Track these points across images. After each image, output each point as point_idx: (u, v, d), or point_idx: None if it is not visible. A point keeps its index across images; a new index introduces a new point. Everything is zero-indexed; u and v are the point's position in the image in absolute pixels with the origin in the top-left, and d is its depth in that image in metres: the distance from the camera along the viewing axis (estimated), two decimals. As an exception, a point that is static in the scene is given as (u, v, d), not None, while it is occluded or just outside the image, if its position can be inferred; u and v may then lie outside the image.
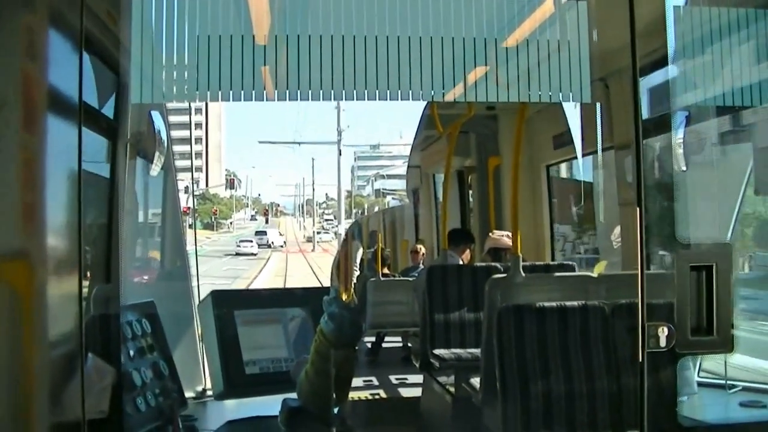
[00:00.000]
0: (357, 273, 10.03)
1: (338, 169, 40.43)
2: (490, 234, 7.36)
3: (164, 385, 4.19)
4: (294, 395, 4.10)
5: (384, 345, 9.10)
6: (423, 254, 10.17)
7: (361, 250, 10.84)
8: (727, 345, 3.31)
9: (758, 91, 3.73)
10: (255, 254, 39.22)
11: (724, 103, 3.85)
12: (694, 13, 3.67)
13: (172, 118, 5.01)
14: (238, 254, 38.50)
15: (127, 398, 3.75)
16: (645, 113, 3.40)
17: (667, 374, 3.44)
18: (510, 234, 6.76)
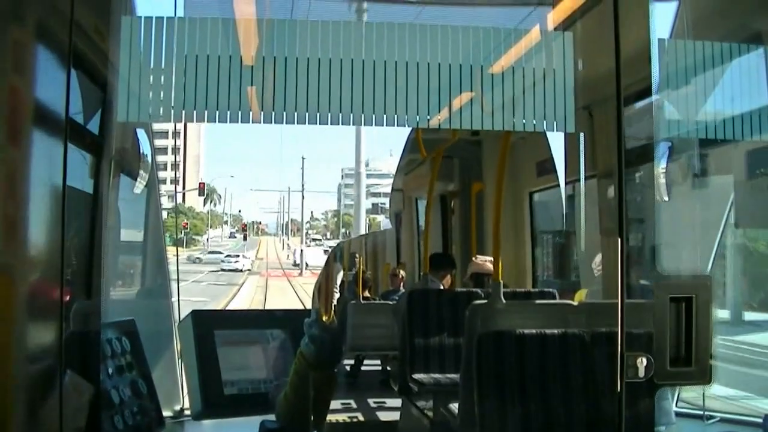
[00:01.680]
0: (338, 296, 10.02)
1: (357, 147, 25.30)
2: (474, 259, 7.37)
3: (142, 403, 4.18)
4: (272, 417, 4.09)
5: (363, 368, 9.08)
6: (403, 278, 10.16)
7: (342, 273, 10.82)
8: (705, 376, 3.32)
9: (740, 124, 3.77)
10: (242, 270, 37.59)
11: (706, 135, 3.88)
12: (679, 46, 3.71)
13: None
14: (223, 270, 36.95)
15: (105, 416, 3.73)
16: (628, 143, 3.42)
17: (645, 404, 3.45)
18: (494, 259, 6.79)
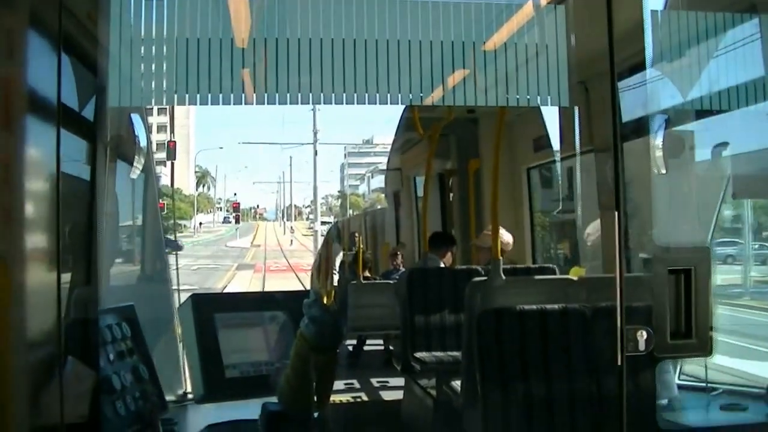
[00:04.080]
0: (337, 276, 10.00)
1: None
2: (485, 231, 7.38)
3: (144, 388, 4.17)
4: (274, 399, 4.10)
5: (365, 348, 9.09)
6: (402, 258, 10.14)
7: (341, 253, 10.81)
8: (705, 348, 3.32)
9: (736, 94, 3.75)
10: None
11: (702, 107, 3.86)
12: (672, 18, 3.69)
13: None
14: None
15: (106, 402, 3.73)
16: (623, 117, 3.40)
17: (647, 377, 3.45)
18: (506, 233, 6.78)
